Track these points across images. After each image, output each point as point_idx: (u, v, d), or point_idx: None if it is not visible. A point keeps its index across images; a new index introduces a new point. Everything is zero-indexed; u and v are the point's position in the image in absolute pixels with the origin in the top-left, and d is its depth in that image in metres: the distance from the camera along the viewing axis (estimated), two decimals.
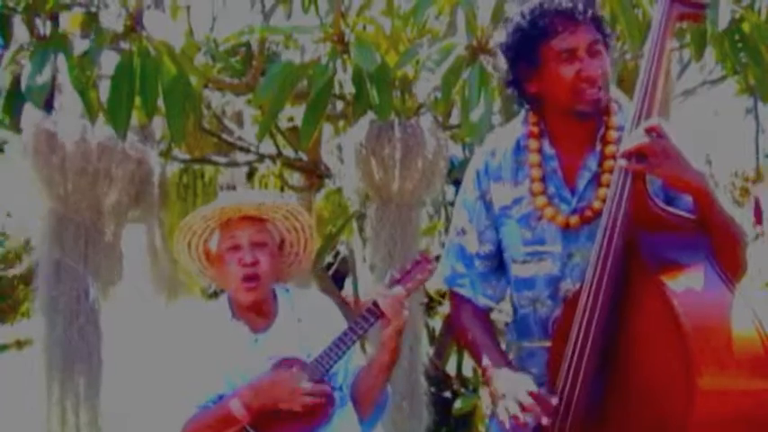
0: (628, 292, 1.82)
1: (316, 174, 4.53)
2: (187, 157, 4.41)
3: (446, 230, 4.62)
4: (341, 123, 4.34)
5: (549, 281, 2.03)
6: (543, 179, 2.02)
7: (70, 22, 3.05)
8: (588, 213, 1.97)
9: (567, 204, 2.01)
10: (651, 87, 1.83)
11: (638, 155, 1.76)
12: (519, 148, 2.06)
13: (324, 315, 2.43)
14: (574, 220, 1.98)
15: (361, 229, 4.17)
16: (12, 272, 7.49)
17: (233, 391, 2.24)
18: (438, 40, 3.20)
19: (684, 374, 1.66)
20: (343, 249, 5.07)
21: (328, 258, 4.83)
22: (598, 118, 1.98)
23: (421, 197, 3.50)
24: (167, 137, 3.58)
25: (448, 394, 4.45)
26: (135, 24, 3.00)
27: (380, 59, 3.09)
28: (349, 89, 3.44)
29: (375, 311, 2.27)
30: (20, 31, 3.03)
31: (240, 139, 4.48)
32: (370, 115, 3.31)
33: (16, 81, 2.88)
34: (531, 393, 1.82)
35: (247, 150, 4.46)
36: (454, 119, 3.92)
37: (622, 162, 1.78)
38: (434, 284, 3.34)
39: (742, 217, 1.89)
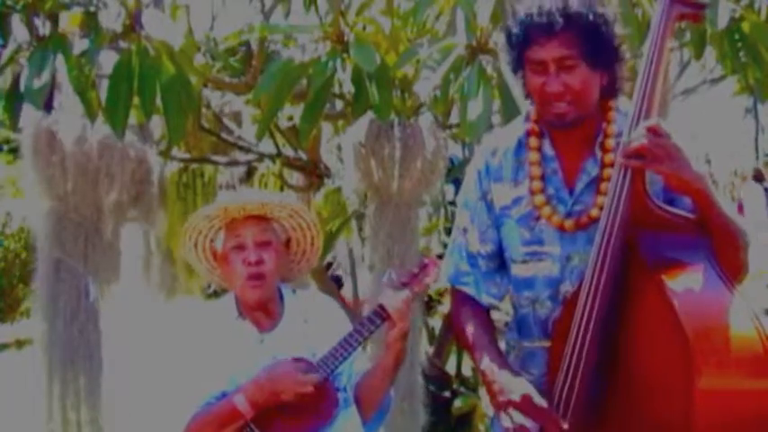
0: (627, 291, 1.82)
1: (315, 173, 4.53)
2: (186, 156, 4.41)
3: (445, 230, 4.64)
4: (340, 123, 4.34)
5: (549, 282, 2.03)
6: (543, 178, 2.02)
7: (69, 21, 3.04)
8: (584, 220, 1.98)
9: (564, 206, 2.01)
10: (651, 87, 1.83)
11: (638, 154, 1.77)
12: (520, 147, 2.07)
13: (330, 317, 2.44)
14: (569, 223, 1.99)
15: (360, 229, 4.17)
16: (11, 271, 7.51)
17: (236, 388, 2.24)
18: (438, 40, 3.20)
19: (684, 374, 1.66)
20: (341, 250, 5.08)
21: (327, 258, 4.84)
22: (596, 124, 1.99)
23: (420, 197, 3.50)
24: (166, 136, 3.57)
25: (447, 394, 4.45)
26: (134, 24, 3.00)
27: (380, 59, 3.09)
28: (348, 88, 3.44)
29: (381, 314, 2.28)
30: (19, 31, 3.03)
31: (240, 138, 4.48)
32: (370, 115, 3.31)
33: (15, 81, 2.88)
34: (524, 396, 1.84)
35: (247, 150, 4.45)
36: (453, 118, 3.92)
37: (622, 160, 1.79)
38: (434, 284, 3.34)
39: (742, 219, 1.89)
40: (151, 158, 3.26)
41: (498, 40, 3.07)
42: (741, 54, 3.22)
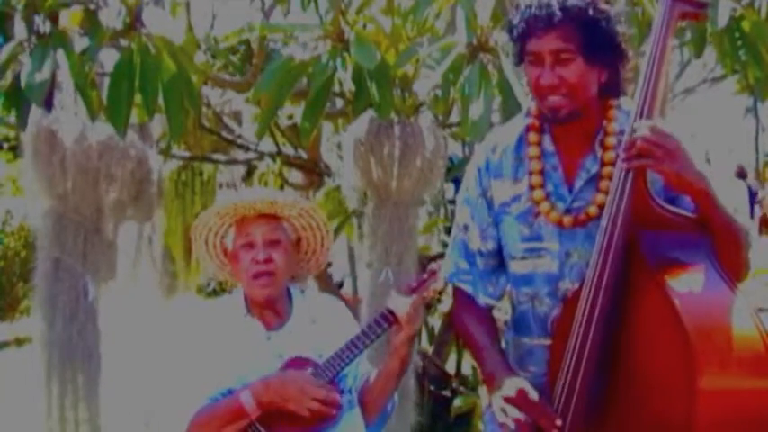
0: (628, 290, 1.82)
1: (315, 172, 4.53)
2: (186, 154, 4.41)
3: (445, 228, 4.63)
4: (340, 121, 4.34)
5: (548, 279, 2.03)
6: (542, 173, 2.02)
7: (70, 19, 3.04)
8: (582, 217, 1.98)
9: (563, 202, 2.01)
10: (653, 86, 1.83)
11: (640, 153, 1.77)
12: (520, 144, 2.07)
13: (337, 318, 2.46)
14: (567, 220, 1.99)
15: (359, 227, 4.17)
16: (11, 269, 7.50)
17: (243, 386, 2.25)
18: (438, 39, 3.19)
19: (685, 374, 1.66)
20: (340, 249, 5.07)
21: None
22: (596, 121, 1.99)
23: (419, 195, 3.50)
24: (166, 134, 3.57)
25: (447, 393, 4.45)
26: (134, 22, 3.00)
27: (380, 58, 3.09)
28: (349, 87, 3.43)
29: (389, 317, 2.29)
30: (19, 29, 3.02)
31: (240, 137, 4.48)
32: (370, 113, 3.31)
33: (16, 79, 2.88)
34: (520, 391, 1.86)
35: (247, 148, 4.45)
36: (454, 117, 3.92)
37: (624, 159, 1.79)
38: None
39: (744, 218, 1.89)
40: (151, 158, 3.26)
41: (499, 38, 3.07)
42: (741, 53, 3.22)
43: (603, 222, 1.84)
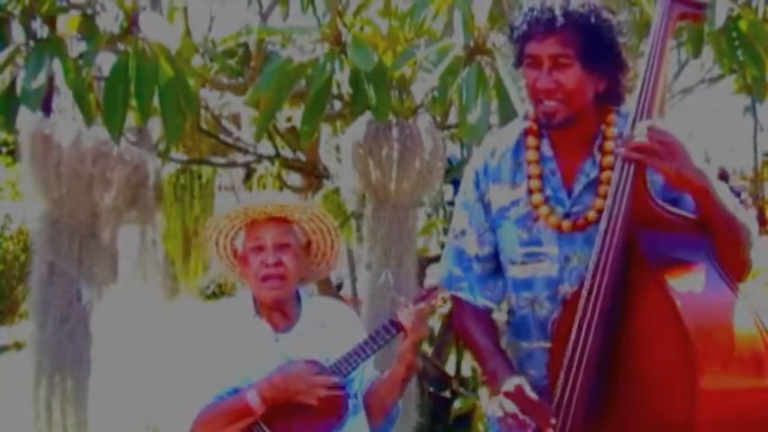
0: (628, 290, 1.82)
1: (314, 174, 4.53)
2: (185, 157, 4.40)
3: (444, 230, 4.63)
4: (338, 123, 4.33)
5: (548, 283, 2.03)
6: (541, 177, 2.02)
7: (67, 24, 3.04)
8: (581, 221, 1.98)
9: (562, 207, 2.01)
10: (652, 86, 1.84)
11: (640, 150, 1.76)
12: (519, 148, 2.06)
13: (346, 324, 2.47)
14: (566, 224, 1.98)
15: (358, 229, 4.17)
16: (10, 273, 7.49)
17: (249, 385, 2.26)
18: (435, 41, 3.19)
19: (686, 374, 1.66)
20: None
21: None
22: (595, 126, 1.99)
23: (418, 197, 3.50)
24: (164, 138, 3.57)
25: (447, 394, 4.45)
26: (131, 26, 2.99)
27: (378, 60, 3.09)
28: (346, 89, 3.43)
29: (397, 324, 2.31)
30: (16, 34, 3.02)
31: (238, 139, 4.47)
32: (368, 115, 3.31)
33: (12, 82, 2.88)
34: (517, 387, 1.86)
35: (245, 151, 4.45)
36: (452, 118, 3.92)
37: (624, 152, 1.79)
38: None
39: (746, 216, 1.89)
40: (148, 163, 3.25)
41: (496, 40, 3.07)
42: (739, 53, 3.22)
43: (603, 223, 1.84)
